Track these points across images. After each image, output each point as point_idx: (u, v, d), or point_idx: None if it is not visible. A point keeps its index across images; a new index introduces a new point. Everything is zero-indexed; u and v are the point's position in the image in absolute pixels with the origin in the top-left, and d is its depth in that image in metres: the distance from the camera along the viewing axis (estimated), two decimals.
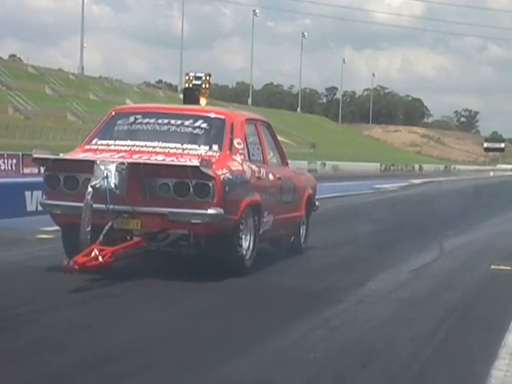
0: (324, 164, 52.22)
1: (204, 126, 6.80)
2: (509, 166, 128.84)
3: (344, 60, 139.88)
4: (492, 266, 8.38)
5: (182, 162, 6.24)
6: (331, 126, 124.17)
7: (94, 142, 6.85)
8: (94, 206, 6.01)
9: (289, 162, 8.57)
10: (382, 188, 28.04)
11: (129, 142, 6.70)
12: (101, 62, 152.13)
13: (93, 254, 5.86)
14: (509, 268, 8.33)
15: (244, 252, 6.60)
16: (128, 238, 6.32)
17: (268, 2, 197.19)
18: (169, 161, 6.28)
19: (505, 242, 11.30)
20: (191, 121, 6.82)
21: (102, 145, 6.76)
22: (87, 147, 6.78)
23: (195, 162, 6.09)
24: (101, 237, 6.04)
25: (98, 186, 6.00)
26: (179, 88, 77.95)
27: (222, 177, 6.22)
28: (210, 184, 6.09)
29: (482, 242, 11.08)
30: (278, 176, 7.54)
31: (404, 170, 69.13)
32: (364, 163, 62.77)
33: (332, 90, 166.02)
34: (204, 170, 6.00)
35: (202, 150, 6.59)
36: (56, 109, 56.06)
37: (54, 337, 4.71)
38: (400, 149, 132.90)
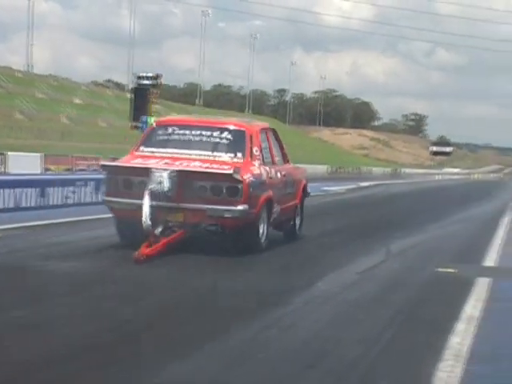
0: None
1: (229, 136, 8.28)
2: (455, 170, 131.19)
3: (294, 62, 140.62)
4: (438, 268, 8.49)
5: (219, 169, 7.72)
6: (280, 127, 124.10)
7: (140, 149, 8.34)
8: (139, 202, 7.45)
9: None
10: (331, 190, 28.20)
11: (169, 150, 8.18)
12: (50, 60, 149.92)
13: (151, 245, 7.38)
14: (454, 271, 8.45)
15: (260, 236, 8.15)
16: (170, 225, 7.80)
17: (219, 3, 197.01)
18: (208, 168, 7.74)
19: (450, 244, 11.48)
20: (218, 132, 8.28)
21: (147, 152, 8.20)
22: (136, 154, 8.29)
23: (229, 170, 7.62)
24: (159, 229, 7.52)
25: (154, 188, 7.47)
26: (128, 87, 77.45)
27: (247, 180, 7.76)
28: (239, 187, 7.64)
29: (428, 244, 11.23)
30: (283, 173, 9.19)
31: (352, 173, 69.73)
32: (312, 165, 63.01)
33: (281, 91, 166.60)
34: (235, 176, 7.56)
35: (228, 157, 8.11)
36: (3, 106, 55.05)
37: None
38: (348, 151, 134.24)
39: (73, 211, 12.84)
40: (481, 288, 7.34)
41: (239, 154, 8.26)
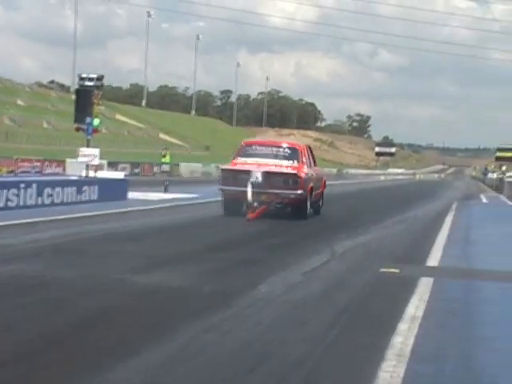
0: (218, 166, 51.98)
1: (287, 151, 13.51)
2: (399, 170, 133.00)
3: (238, 63, 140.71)
4: (381, 269, 8.54)
5: (288, 170, 12.94)
6: (225, 128, 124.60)
7: (238, 159, 13.38)
8: (245, 189, 12.55)
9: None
10: None
11: (254, 159, 13.19)
12: None
13: (254, 212, 12.79)
14: (397, 271, 8.51)
15: (308, 210, 13.31)
16: (260, 202, 13.13)
17: (163, 4, 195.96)
18: (282, 170, 12.84)
19: (394, 244, 11.59)
20: (281, 148, 13.51)
21: (242, 160, 13.18)
22: (236, 162, 13.37)
23: (293, 171, 12.88)
24: (255, 204, 12.54)
25: (253, 181, 12.41)
26: (72, 88, 76.56)
27: (302, 176, 12.89)
28: (298, 180, 12.71)
29: (372, 245, 11.31)
30: (316, 173, 14.60)
31: None
32: None
33: (227, 92, 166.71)
34: (297, 174, 12.64)
35: (290, 163, 13.26)
36: None
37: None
38: None
39: (15, 214, 12.62)
40: (423, 288, 7.39)
41: (295, 162, 13.63)
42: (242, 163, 13.62)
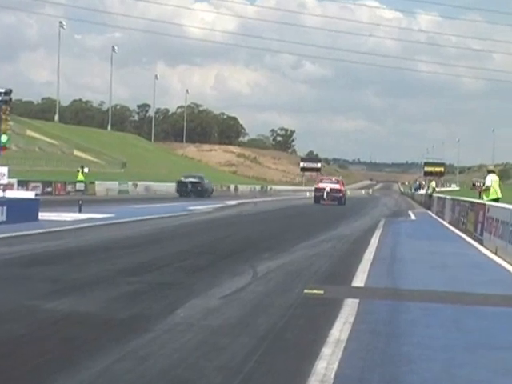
0: (135, 184, 51.91)
1: (335, 180, 45.05)
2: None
3: (156, 76, 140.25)
4: (305, 290, 8.60)
5: (339, 188, 43.55)
6: (143, 144, 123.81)
7: (319, 184, 44.76)
8: (323, 194, 43.09)
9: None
10: (196, 209, 28.26)
11: (324, 184, 44.05)
12: None
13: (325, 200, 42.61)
14: (321, 292, 8.58)
15: (344, 202, 42.30)
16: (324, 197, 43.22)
17: (76, 14, 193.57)
18: (335, 187, 43.38)
19: (318, 264, 11.68)
20: (334, 179, 45.91)
21: (320, 184, 44.29)
22: (318, 185, 44.79)
23: (340, 187, 44.25)
24: (326, 199, 41.73)
25: (326, 192, 41.66)
26: None
27: (343, 190, 43.71)
28: (341, 194, 42.88)
29: (296, 265, 11.38)
30: (344, 189, 45.71)
31: (219, 191, 70.11)
32: None
33: (144, 106, 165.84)
34: (341, 188, 43.54)
35: (337, 186, 43.84)
36: None
37: None
38: (215, 168, 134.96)
39: None
40: (349, 309, 7.47)
41: (340, 184, 43.98)
42: (321, 185, 42.78)
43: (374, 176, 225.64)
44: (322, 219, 26.52)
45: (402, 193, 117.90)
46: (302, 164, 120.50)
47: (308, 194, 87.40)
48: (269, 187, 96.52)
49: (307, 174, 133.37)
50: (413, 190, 76.26)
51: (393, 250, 14.76)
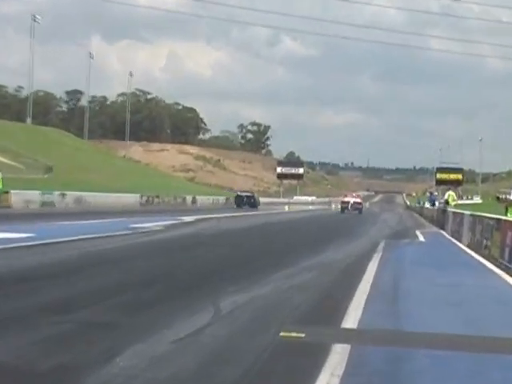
0: (64, 195, 51.67)
1: (355, 195, 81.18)
2: (309, 199, 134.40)
3: (91, 54, 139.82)
4: (281, 333, 8.62)
5: (360, 201, 77.51)
6: (74, 143, 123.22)
7: (344, 198, 78.20)
8: (348, 205, 74.11)
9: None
10: (143, 228, 28.20)
11: (348, 198, 76.72)
12: None
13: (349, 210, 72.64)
14: (302, 335, 8.60)
15: (362, 211, 73.01)
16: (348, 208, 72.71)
17: None
18: (357, 200, 75.89)
19: (298, 299, 11.66)
20: (355, 195, 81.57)
21: (345, 198, 77.03)
22: (344, 199, 77.47)
23: (361, 201, 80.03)
24: (350, 208, 71.56)
25: (350, 204, 72.64)
26: None
27: (361, 202, 77.98)
28: (362, 203, 77.09)
29: (271, 300, 11.43)
30: (362, 200, 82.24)
31: (172, 204, 70.06)
32: (119, 194, 62.96)
33: (75, 94, 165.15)
34: (361, 201, 77.85)
35: (358, 198, 78.05)
36: None
37: None
38: (167, 174, 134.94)
39: None
40: (337, 358, 7.48)
41: (359, 198, 78.36)
42: (346, 199, 75.18)
43: (371, 185, 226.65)
44: (305, 241, 26.57)
45: (408, 207, 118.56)
46: (279, 169, 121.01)
47: (287, 207, 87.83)
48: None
49: (286, 182, 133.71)
50: (425, 204, 76.39)
51: (395, 280, 14.81)
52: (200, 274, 14.69)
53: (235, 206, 78.57)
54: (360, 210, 73.64)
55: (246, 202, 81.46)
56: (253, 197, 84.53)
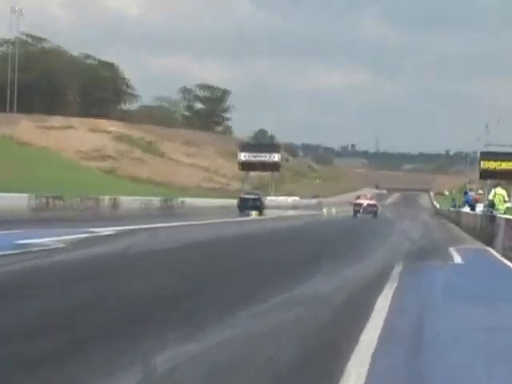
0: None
1: (369, 197, 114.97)
2: (289, 199, 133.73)
3: None
4: None
5: (374, 203, 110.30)
6: None
7: (356, 200, 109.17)
8: (360, 208, 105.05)
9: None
10: (35, 244, 28.22)
11: (361, 200, 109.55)
12: None
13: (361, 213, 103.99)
14: None
15: (377, 214, 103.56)
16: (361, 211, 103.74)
17: None
18: (370, 202, 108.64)
19: (270, 354, 11.82)
20: (369, 196, 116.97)
21: (357, 200, 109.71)
22: (356, 201, 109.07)
23: (376, 203, 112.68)
24: (362, 212, 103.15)
25: (364, 207, 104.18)
26: None
27: (376, 204, 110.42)
28: (375, 208, 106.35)
29: (225, 355, 11.54)
30: (377, 203, 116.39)
31: (82, 209, 69.94)
32: None
33: None
34: (375, 203, 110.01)
35: (373, 201, 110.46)
36: None
37: None
38: (73, 164, 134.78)
39: None
40: None
41: (374, 200, 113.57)
42: (358, 201, 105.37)
43: (382, 179, 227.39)
44: (282, 264, 26.62)
45: (438, 212, 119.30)
46: (242, 156, 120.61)
47: (253, 213, 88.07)
48: (179, 200, 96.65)
49: (254, 175, 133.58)
50: (464, 208, 75.89)
51: (417, 322, 14.91)
52: (122, 312, 14.82)
53: (238, 211, 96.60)
54: (375, 214, 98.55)
55: (252, 205, 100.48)
56: (259, 199, 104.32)
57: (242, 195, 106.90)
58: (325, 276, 22.40)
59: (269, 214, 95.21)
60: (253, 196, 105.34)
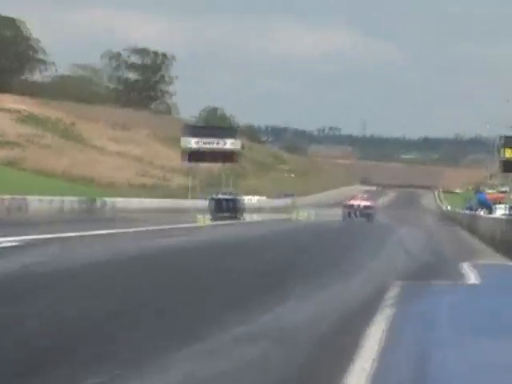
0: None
1: (365, 197, 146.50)
2: (253, 200, 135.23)
3: None
4: None
5: (370, 203, 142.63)
6: None
7: (348, 201, 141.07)
8: (352, 210, 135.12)
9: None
10: None
11: (355, 201, 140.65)
12: None
13: (356, 215, 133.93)
14: None
15: (373, 218, 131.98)
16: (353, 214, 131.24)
17: None
18: (367, 204, 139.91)
19: None
20: (365, 197, 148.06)
21: (350, 201, 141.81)
22: (350, 202, 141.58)
23: (372, 204, 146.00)
24: (358, 214, 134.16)
25: (355, 207, 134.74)
26: None
27: (374, 205, 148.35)
28: (371, 210, 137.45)
29: None
30: (374, 204, 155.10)
31: None
32: None
33: None
34: (372, 204, 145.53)
35: (368, 201, 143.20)
36: None
37: None
38: None
39: None
40: None
41: (370, 201, 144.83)
42: (351, 201, 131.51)
43: (373, 172, 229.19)
44: (239, 286, 26.66)
45: (446, 215, 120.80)
46: (186, 142, 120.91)
47: (201, 217, 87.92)
48: (105, 200, 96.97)
49: (204, 167, 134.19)
50: (480, 211, 75.69)
51: (421, 367, 14.85)
52: (34, 353, 14.85)
53: (210, 216, 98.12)
54: (368, 217, 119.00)
55: (227, 208, 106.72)
56: (235, 200, 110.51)
57: (214, 196, 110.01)
58: (292, 300, 22.36)
59: (223, 220, 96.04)
60: (228, 196, 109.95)
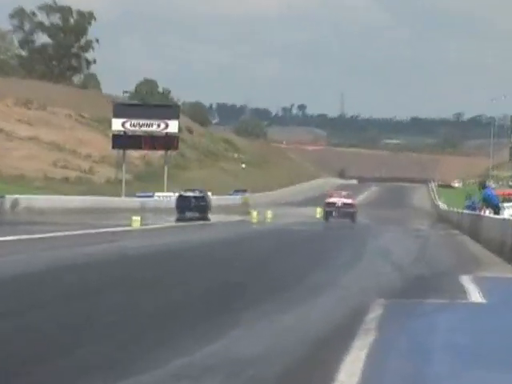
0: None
1: (347, 195, 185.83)
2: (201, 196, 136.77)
3: None
4: None
5: (351, 202, 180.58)
6: None
7: (329, 199, 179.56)
8: (334, 208, 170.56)
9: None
10: None
11: (335, 199, 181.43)
12: None
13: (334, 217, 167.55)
14: None
15: (356, 219, 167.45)
16: (334, 214, 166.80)
17: None
18: (348, 201, 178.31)
19: None
20: (346, 194, 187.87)
21: (330, 199, 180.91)
22: (329, 199, 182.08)
23: (353, 202, 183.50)
24: (336, 215, 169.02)
25: (336, 206, 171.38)
26: None
27: (355, 204, 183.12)
28: (353, 209, 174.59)
29: None
30: (356, 202, 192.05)
31: None
32: None
33: None
34: (353, 203, 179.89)
35: (350, 199, 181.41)
36: None
37: None
38: None
39: None
40: None
41: (352, 199, 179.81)
42: (330, 199, 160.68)
43: (351, 162, 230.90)
44: (184, 308, 26.59)
45: (443, 216, 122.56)
46: (117, 124, 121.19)
47: (137, 219, 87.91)
48: (13, 198, 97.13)
49: (136, 156, 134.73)
50: (485, 211, 75.78)
51: None
52: None
53: (177, 215, 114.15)
54: (352, 217, 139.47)
55: (195, 206, 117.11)
56: (204, 198, 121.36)
57: (182, 192, 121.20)
58: (242, 329, 22.25)
59: (159, 221, 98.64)
60: (195, 194, 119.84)
